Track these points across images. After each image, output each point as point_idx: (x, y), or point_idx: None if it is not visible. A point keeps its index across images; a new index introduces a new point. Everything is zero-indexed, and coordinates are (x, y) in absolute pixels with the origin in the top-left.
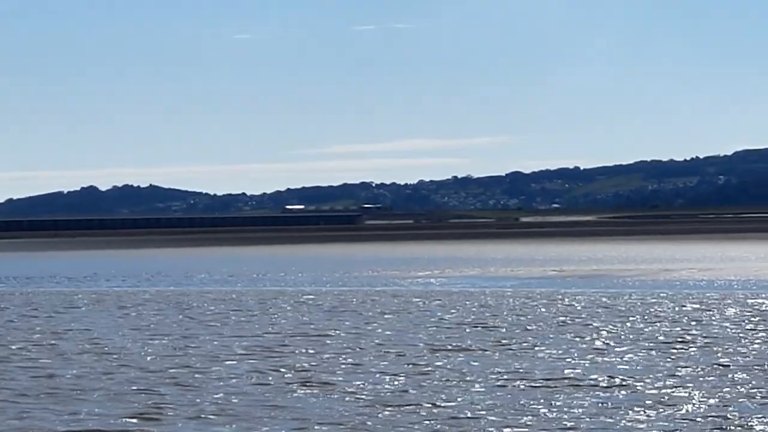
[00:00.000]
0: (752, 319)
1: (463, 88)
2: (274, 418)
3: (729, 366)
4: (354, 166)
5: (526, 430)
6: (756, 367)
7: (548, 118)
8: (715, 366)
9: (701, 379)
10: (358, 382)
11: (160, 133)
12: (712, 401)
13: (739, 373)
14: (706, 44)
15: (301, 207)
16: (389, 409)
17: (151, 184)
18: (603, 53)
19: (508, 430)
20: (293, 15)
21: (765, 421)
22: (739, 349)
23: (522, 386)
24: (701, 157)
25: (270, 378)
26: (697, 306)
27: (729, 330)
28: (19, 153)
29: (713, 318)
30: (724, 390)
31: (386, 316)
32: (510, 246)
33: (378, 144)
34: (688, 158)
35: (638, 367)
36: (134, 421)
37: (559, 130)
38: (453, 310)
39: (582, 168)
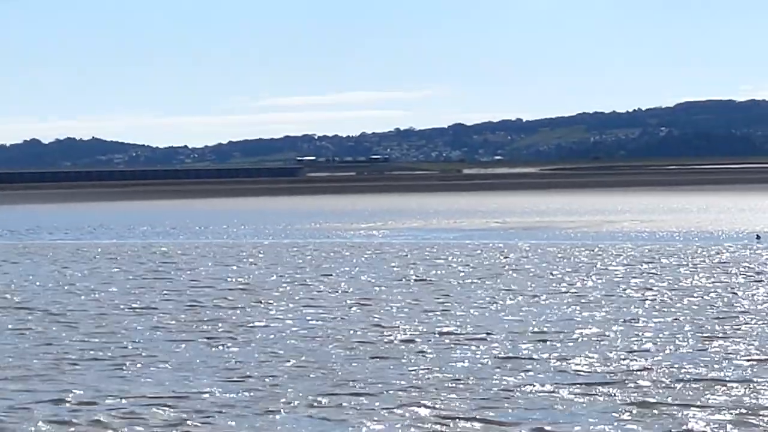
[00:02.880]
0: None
1: (405, 40)
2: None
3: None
4: (296, 118)
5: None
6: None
7: (491, 70)
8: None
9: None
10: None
11: (103, 86)
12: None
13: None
14: None
15: (313, 158)
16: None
17: (93, 137)
18: (546, 5)
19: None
20: None
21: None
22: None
23: None
24: (643, 108)
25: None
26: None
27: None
28: None
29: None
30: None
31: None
32: (453, 198)
33: (320, 96)
34: (630, 110)
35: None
36: None
37: (501, 82)
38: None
39: (524, 120)
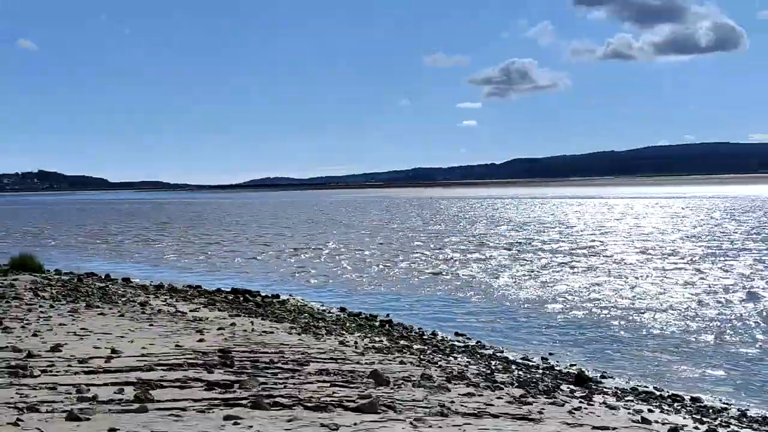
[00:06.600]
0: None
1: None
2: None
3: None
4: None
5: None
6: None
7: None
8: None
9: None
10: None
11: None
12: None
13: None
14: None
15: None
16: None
17: (278, 176)
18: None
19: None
20: None
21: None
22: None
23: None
24: (406, 168)
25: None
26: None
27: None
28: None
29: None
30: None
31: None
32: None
33: (326, 166)
34: (412, 168)
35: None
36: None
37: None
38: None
39: (376, 171)
